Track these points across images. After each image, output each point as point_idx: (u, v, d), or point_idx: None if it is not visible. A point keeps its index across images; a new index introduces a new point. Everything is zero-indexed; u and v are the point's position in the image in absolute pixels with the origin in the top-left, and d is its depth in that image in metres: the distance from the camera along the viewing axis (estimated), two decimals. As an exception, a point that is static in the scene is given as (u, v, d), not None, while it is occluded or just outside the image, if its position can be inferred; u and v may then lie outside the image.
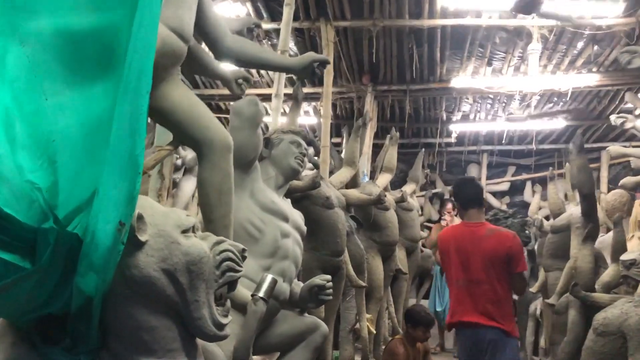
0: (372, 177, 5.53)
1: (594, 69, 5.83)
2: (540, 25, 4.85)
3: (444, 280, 7.79)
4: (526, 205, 9.15)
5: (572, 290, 2.71)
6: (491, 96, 6.93)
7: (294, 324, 2.82)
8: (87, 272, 1.61)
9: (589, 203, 4.13)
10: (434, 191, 9.00)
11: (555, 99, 6.81)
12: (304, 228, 3.01)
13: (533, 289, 5.56)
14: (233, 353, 2.35)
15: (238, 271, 2.02)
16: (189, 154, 6.38)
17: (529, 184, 9.23)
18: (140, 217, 1.66)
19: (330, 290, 2.75)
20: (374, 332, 5.19)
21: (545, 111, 6.97)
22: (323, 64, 2.52)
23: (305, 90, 6.23)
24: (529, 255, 6.46)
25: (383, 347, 5.55)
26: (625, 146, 7.97)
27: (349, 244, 4.22)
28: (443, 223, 7.56)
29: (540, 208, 8.71)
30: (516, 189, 9.36)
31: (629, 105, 6.80)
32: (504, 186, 9.33)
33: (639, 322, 2.22)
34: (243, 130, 2.57)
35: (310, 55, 2.52)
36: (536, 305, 6.42)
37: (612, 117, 6.08)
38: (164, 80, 2.25)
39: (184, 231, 1.92)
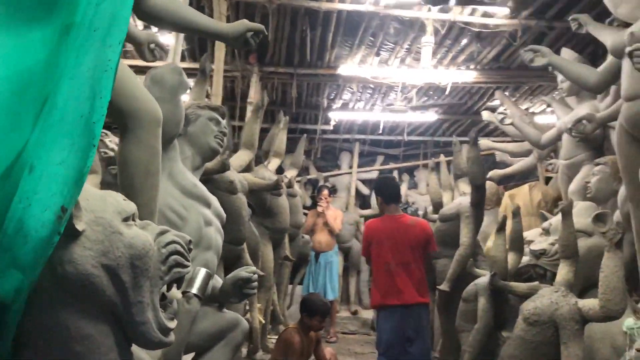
0: (260, 160, 5.30)
1: (472, 67, 6.15)
2: (435, 18, 4.96)
3: (318, 265, 7.87)
4: (392, 193, 9.53)
5: (492, 280, 2.78)
6: (372, 86, 7.04)
7: (215, 321, 2.56)
8: (7, 271, 1.26)
9: (480, 194, 4.33)
10: (308, 177, 8.99)
11: (431, 92, 7.10)
12: (224, 215, 2.75)
13: (443, 286, 5.74)
14: (162, 358, 2.05)
15: (186, 266, 1.75)
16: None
17: (396, 173, 9.60)
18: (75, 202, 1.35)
19: (256, 284, 2.54)
20: (264, 321, 5.02)
21: (423, 104, 7.25)
22: (257, 33, 2.26)
23: (184, 65, 5.81)
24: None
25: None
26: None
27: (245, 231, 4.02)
28: (319, 209, 7.58)
29: (407, 196, 9.14)
30: (384, 177, 9.71)
31: (495, 102, 7.33)
32: (373, 174, 9.61)
33: (570, 312, 2.31)
34: (164, 103, 2.23)
35: (244, 23, 2.25)
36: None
37: (485, 113, 6.50)
38: None
39: (125, 219, 1.60)
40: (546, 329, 2.36)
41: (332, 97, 7.65)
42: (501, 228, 3.01)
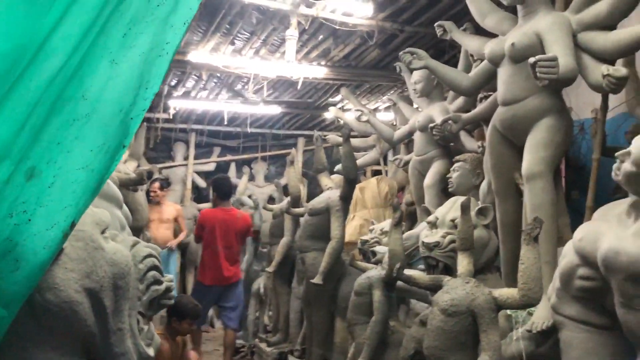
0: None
1: (323, 63, 6.29)
2: (300, 13, 4.96)
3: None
4: (230, 185, 9.38)
5: (397, 273, 2.87)
6: (219, 75, 6.81)
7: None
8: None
9: (351, 187, 4.46)
10: (141, 169, 8.39)
11: (279, 86, 7.11)
12: (131, 217, 2.43)
13: (269, 268, 5.73)
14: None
15: (162, 282, 1.54)
16: None
17: (233, 165, 9.47)
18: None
19: (173, 294, 2.29)
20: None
21: (275, 97, 7.22)
22: None
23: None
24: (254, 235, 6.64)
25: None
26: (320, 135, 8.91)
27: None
28: (155, 201, 7.18)
29: (246, 188, 9.07)
30: (221, 169, 9.48)
31: (336, 99, 7.61)
32: (210, 166, 9.36)
33: (486, 301, 2.48)
34: None
35: None
36: (259, 284, 6.64)
37: (333, 110, 6.72)
38: None
39: (103, 231, 1.36)
40: (464, 318, 2.50)
41: (173, 84, 7.23)
42: (398, 223, 3.12)
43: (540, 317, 2.72)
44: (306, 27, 5.10)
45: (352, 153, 4.36)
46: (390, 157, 6.99)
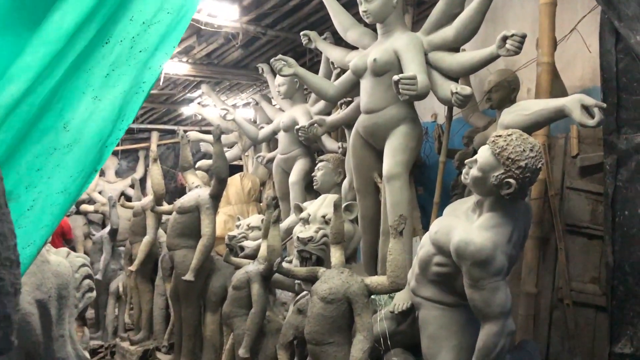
0: None
1: (184, 59, 6.30)
2: (166, 11, 4.96)
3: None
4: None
5: (278, 267, 3.11)
6: (70, 67, 6.49)
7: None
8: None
9: (222, 185, 4.61)
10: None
11: (136, 80, 6.94)
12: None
13: (132, 267, 5.66)
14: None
15: (94, 290, 1.69)
16: None
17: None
18: None
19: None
20: None
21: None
22: None
23: None
24: (111, 234, 6.47)
25: None
26: (174, 130, 8.86)
27: None
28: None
29: (96, 184, 8.69)
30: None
31: (195, 94, 7.63)
32: (55, 161, 8.78)
33: (359, 288, 2.82)
34: None
35: None
36: (117, 283, 6.49)
37: (194, 107, 6.75)
38: None
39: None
40: (341, 305, 2.82)
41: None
42: (277, 220, 3.37)
43: (400, 299, 3.14)
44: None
45: (223, 152, 4.51)
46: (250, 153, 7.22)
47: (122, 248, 6.66)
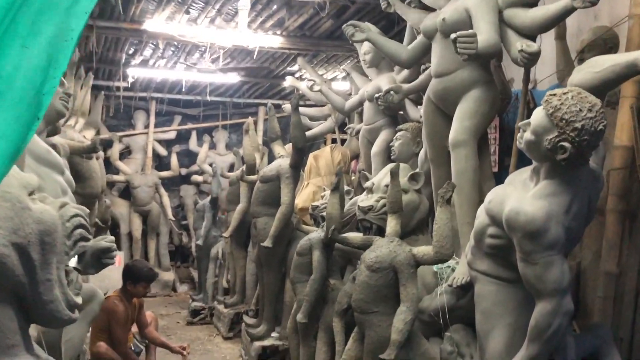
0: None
1: (278, 32, 6.38)
2: (250, -18, 5.05)
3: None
4: (191, 153, 9.49)
5: (333, 234, 3.09)
6: (176, 44, 6.85)
7: (73, 295, 2.43)
8: None
9: (300, 155, 4.65)
10: (101, 137, 8.43)
11: (237, 55, 7.18)
12: (74, 183, 2.58)
13: (226, 233, 5.94)
14: (45, 336, 1.94)
15: (89, 239, 1.73)
16: None
17: (194, 134, 9.53)
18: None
19: (115, 253, 2.47)
20: (78, 292, 4.74)
21: (232, 66, 7.29)
22: None
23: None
24: (212, 203, 6.80)
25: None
26: (280, 104, 9.05)
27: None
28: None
29: (207, 157, 9.18)
30: (181, 137, 9.55)
31: (293, 68, 7.73)
32: (171, 135, 9.41)
33: (406, 258, 2.72)
34: None
35: None
36: (217, 249, 6.84)
37: (289, 79, 6.84)
38: None
39: (31, 193, 1.53)
40: (387, 274, 2.74)
41: (131, 53, 7.24)
42: (336, 188, 3.33)
43: (460, 273, 2.98)
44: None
45: (300, 122, 4.53)
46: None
47: (224, 216, 6.99)
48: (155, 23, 5.97)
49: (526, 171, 2.58)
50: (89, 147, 4.18)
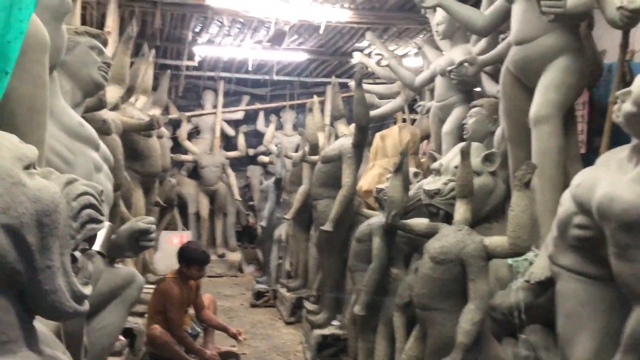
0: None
1: (346, 5, 6.06)
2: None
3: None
4: (258, 134, 9.38)
5: (393, 219, 2.79)
6: (242, 21, 6.68)
7: (107, 278, 2.29)
8: None
9: (363, 134, 4.34)
10: (170, 117, 8.48)
11: (303, 31, 6.92)
12: (112, 158, 2.42)
13: (288, 215, 5.75)
14: (64, 327, 1.77)
15: (100, 222, 1.49)
16: None
17: (262, 114, 9.42)
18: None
19: (154, 235, 2.29)
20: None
21: (297, 44, 7.06)
22: None
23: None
24: (276, 184, 6.64)
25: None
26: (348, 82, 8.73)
27: (116, 176, 3.67)
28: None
29: (274, 137, 9.04)
30: (249, 117, 9.46)
31: (362, 44, 7.37)
32: (239, 115, 9.34)
33: (476, 249, 2.38)
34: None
35: None
36: (281, 231, 6.68)
37: (357, 55, 6.51)
38: None
39: (27, 167, 1.30)
40: (453, 266, 2.42)
41: (197, 31, 7.15)
42: (398, 169, 3.01)
43: (539, 267, 2.60)
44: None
45: (363, 98, 4.21)
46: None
47: (288, 197, 6.82)
48: (219, -1, 5.81)
49: (623, 150, 2.17)
50: (146, 124, 4.07)
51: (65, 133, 2.04)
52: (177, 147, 8.55)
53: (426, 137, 6.30)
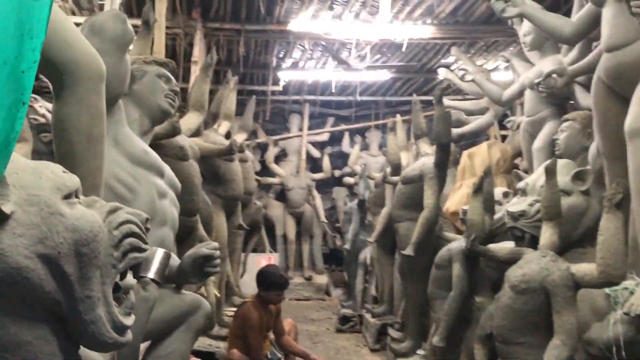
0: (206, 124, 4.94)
1: (428, 21, 5.91)
2: (392, -31, 4.67)
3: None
4: (344, 155, 9.35)
5: (472, 244, 2.60)
6: (324, 43, 6.71)
7: (173, 305, 2.28)
8: None
9: (445, 153, 4.16)
10: (257, 141, 8.65)
11: (385, 49, 6.84)
12: (179, 184, 2.44)
13: (371, 238, 5.61)
14: (117, 355, 1.76)
15: (144, 250, 1.44)
16: None
17: (347, 135, 9.39)
18: (-2, 177, 1.05)
19: (219, 261, 2.26)
20: (219, 295, 4.76)
21: (380, 62, 6.99)
22: None
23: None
24: (359, 205, 6.53)
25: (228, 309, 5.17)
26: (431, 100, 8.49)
27: (197, 200, 3.72)
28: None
29: (359, 158, 8.97)
30: (335, 139, 9.46)
31: (449, 60, 7.15)
32: (324, 137, 9.37)
33: (562, 278, 2.15)
34: (106, 55, 1.91)
35: None
36: (365, 255, 6.55)
37: (442, 71, 6.31)
38: None
39: (67, 196, 1.28)
40: (536, 296, 2.20)
41: (281, 56, 7.27)
42: (478, 189, 2.82)
43: (639, 298, 2.31)
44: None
45: (444, 116, 4.04)
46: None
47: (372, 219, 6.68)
48: (300, 23, 5.86)
49: None
50: (225, 149, 4.13)
51: (129, 160, 2.08)
52: (265, 170, 8.69)
53: (518, 154, 5.96)
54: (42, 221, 1.16)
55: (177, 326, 2.30)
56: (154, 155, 2.22)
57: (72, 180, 1.31)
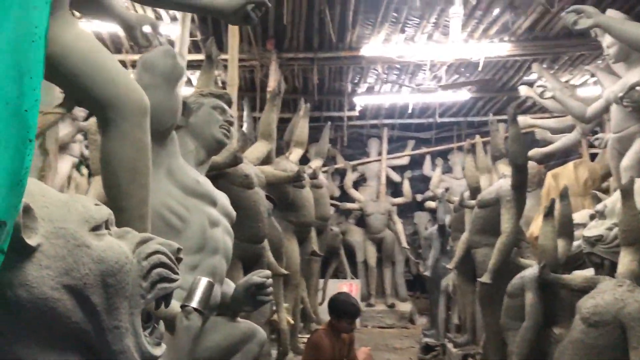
0: (282, 152, 5.02)
1: (505, 38, 5.71)
2: (463, -13, 4.57)
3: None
4: (425, 179, 9.15)
5: (542, 272, 2.43)
6: (398, 66, 6.65)
7: (227, 333, 2.28)
8: None
9: (521, 175, 3.94)
10: (336, 167, 8.67)
11: (463, 69, 6.67)
12: (234, 213, 2.46)
13: (450, 265, 5.41)
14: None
15: (173, 280, 1.44)
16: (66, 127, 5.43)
17: (428, 158, 9.20)
18: (27, 210, 1.09)
19: (271, 289, 2.25)
20: (292, 322, 4.76)
21: (455, 82, 6.83)
22: (259, 6, 1.97)
23: (198, 56, 5.57)
24: (439, 230, 6.34)
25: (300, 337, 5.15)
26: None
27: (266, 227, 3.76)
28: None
29: (441, 181, 8.74)
30: (415, 162, 9.30)
31: (531, 77, 6.85)
32: (404, 160, 9.23)
33: (639, 310, 1.94)
34: (157, 90, 1.98)
35: None
36: (447, 282, 6.31)
37: (523, 88, 6.06)
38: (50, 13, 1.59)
39: (95, 228, 1.30)
40: (611, 330, 1.99)
41: (356, 81, 7.30)
42: (549, 212, 2.63)
43: None
44: (473, 3, 4.66)
45: (518, 135, 3.84)
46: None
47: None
48: (372, 47, 5.87)
49: None
50: (292, 176, 4.16)
51: (181, 190, 2.13)
52: (345, 196, 8.68)
53: (609, 174, 5.56)
54: (69, 253, 1.20)
55: (233, 354, 2.31)
56: (207, 185, 2.26)
57: (101, 213, 1.35)
